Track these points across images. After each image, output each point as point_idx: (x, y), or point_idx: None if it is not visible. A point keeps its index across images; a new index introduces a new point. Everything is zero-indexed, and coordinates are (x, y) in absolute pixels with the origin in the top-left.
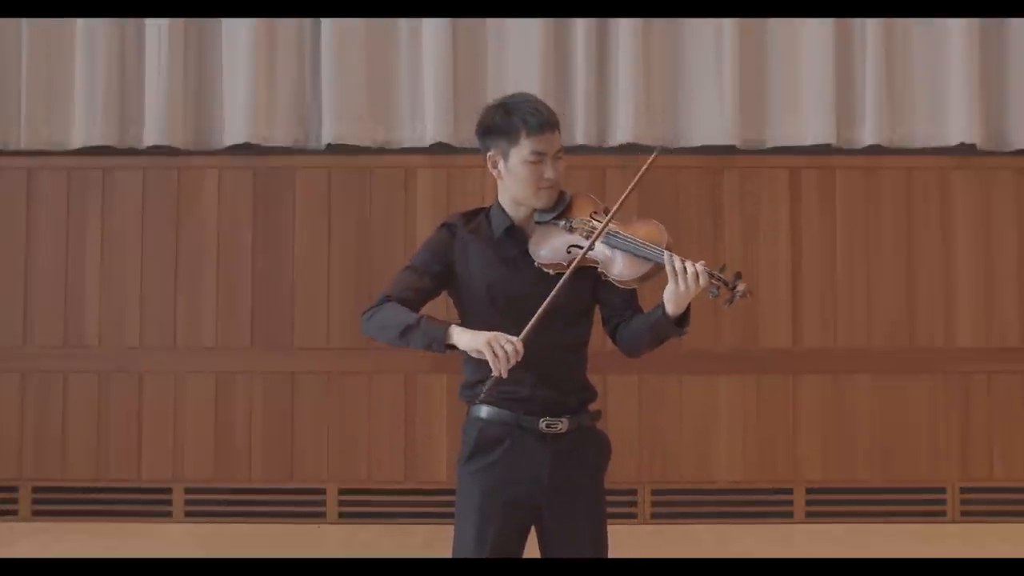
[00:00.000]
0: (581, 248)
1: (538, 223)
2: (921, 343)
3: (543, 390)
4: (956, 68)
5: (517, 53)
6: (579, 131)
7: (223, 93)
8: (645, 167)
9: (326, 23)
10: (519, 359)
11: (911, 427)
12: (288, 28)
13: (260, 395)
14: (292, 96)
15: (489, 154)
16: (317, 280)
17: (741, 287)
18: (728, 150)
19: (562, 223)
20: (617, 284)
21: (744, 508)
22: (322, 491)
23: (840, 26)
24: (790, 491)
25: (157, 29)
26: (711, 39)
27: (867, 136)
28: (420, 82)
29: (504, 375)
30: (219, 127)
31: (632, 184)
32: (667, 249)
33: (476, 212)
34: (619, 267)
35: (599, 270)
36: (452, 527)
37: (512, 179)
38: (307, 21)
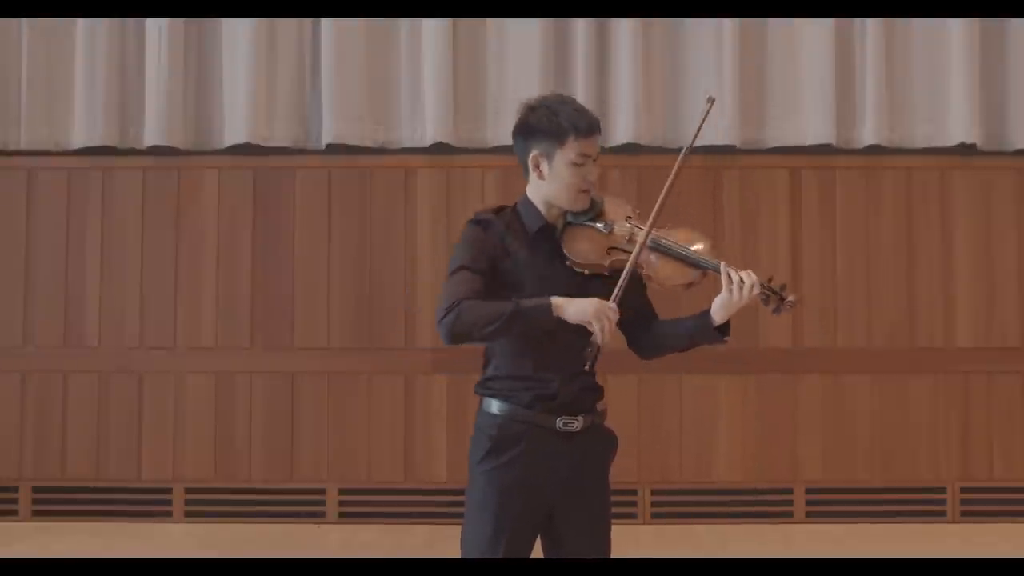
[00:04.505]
0: (622, 251)
1: (570, 223)
2: (921, 343)
3: (567, 387)
4: (956, 68)
5: (517, 53)
6: None
7: (223, 93)
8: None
9: (326, 23)
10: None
11: (911, 427)
12: (288, 28)
13: (260, 395)
14: (292, 96)
15: (532, 155)
16: (317, 280)
17: (791, 297)
18: (728, 150)
19: (600, 225)
20: (659, 287)
21: (744, 508)
22: (322, 491)
23: (840, 26)
24: (790, 491)
25: (157, 29)
26: (711, 39)
27: (867, 136)
28: (420, 82)
29: (606, 342)
30: (219, 127)
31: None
32: (713, 256)
33: (502, 209)
34: (666, 272)
35: (644, 272)
36: (451, 527)
37: (554, 180)
38: (307, 21)
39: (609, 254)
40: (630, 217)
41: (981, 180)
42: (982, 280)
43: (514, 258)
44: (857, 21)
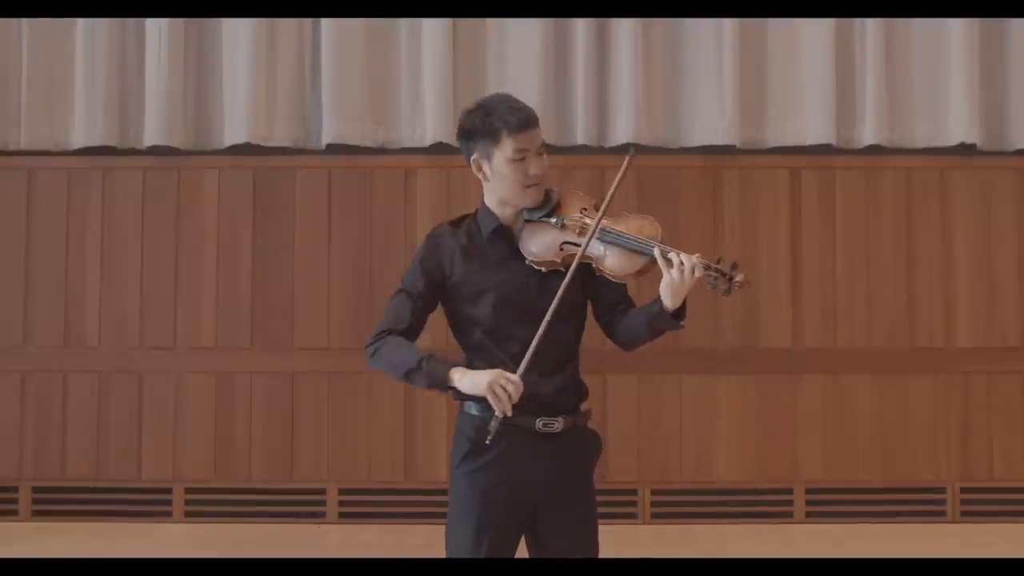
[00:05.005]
0: (573, 244)
1: (527, 221)
2: (921, 343)
3: (541, 388)
4: (956, 68)
5: (517, 53)
6: (579, 131)
7: (223, 93)
8: (624, 166)
9: (326, 23)
10: (520, 394)
11: (911, 427)
12: (288, 28)
13: (260, 395)
14: (292, 96)
15: (473, 157)
16: (317, 280)
17: (739, 277)
18: (728, 150)
19: (553, 220)
20: (612, 279)
21: (744, 508)
22: (322, 491)
23: (840, 26)
24: (790, 491)
25: (157, 29)
26: (711, 39)
27: (867, 136)
28: (420, 82)
29: (509, 414)
30: (219, 127)
31: (618, 179)
32: (660, 243)
33: (462, 219)
34: (613, 262)
35: (594, 266)
36: None
37: (498, 180)
38: (307, 21)
39: (562, 249)
40: (584, 209)
41: (981, 180)
42: (982, 280)
43: (468, 267)
44: (857, 21)
